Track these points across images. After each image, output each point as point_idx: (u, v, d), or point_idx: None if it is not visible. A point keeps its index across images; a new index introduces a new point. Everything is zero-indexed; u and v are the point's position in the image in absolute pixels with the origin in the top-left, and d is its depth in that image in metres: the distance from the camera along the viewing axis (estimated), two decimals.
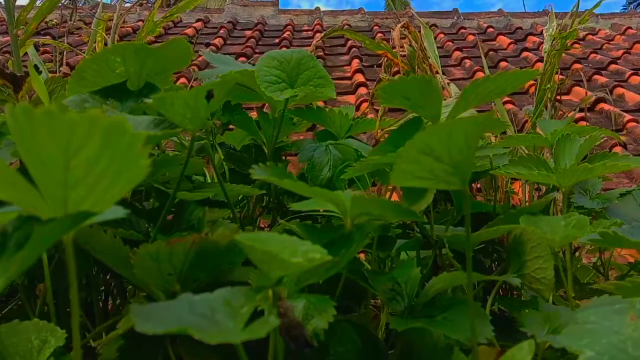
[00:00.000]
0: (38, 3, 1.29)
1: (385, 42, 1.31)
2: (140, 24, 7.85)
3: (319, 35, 5.60)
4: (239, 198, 1.05)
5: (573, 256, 1.09)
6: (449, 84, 1.58)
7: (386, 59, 1.33)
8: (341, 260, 0.48)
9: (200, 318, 0.35)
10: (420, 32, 1.46)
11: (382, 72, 1.46)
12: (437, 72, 1.53)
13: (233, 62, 0.86)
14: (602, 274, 0.91)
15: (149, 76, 0.79)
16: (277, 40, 6.77)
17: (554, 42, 1.25)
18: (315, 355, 0.52)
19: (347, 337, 0.52)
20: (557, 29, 1.38)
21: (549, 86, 1.22)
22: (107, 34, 1.56)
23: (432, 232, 0.65)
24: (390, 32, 6.13)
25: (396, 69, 1.56)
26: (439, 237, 0.64)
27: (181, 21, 8.10)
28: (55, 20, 1.83)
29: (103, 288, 0.77)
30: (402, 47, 1.31)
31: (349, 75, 5.18)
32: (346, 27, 7.23)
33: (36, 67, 0.96)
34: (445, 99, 1.12)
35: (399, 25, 1.26)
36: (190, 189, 0.77)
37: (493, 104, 1.38)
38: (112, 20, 1.61)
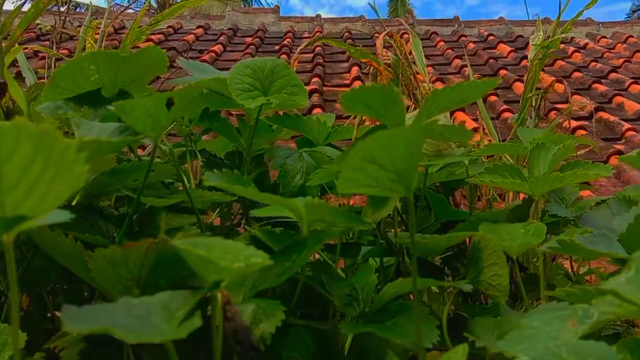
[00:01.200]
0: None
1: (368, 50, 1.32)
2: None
3: (392, 55, 5.64)
4: (222, 204, 1.06)
5: (552, 264, 1.09)
6: None
7: (371, 67, 1.34)
8: (292, 265, 0.49)
9: (136, 319, 0.36)
10: (407, 40, 1.48)
11: (369, 79, 1.47)
12: (423, 80, 1.54)
13: (209, 69, 0.87)
14: (572, 280, 0.92)
15: (123, 83, 0.80)
16: (276, 47, 6.81)
17: (538, 51, 1.26)
18: (268, 358, 0.52)
19: (301, 341, 0.53)
20: (542, 37, 1.39)
21: (530, 95, 1.23)
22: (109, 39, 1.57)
23: (395, 238, 0.66)
24: (390, 39, 6.08)
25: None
26: (401, 244, 0.64)
27: (181, 27, 8.14)
28: (48, 26, 1.85)
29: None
30: (386, 55, 1.32)
31: (347, 82, 5.20)
32: (346, 34, 7.26)
33: (19, 74, 0.98)
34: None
35: (383, 34, 1.27)
36: (164, 195, 0.78)
37: (478, 112, 1.39)
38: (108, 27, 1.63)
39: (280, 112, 0.97)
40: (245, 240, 0.67)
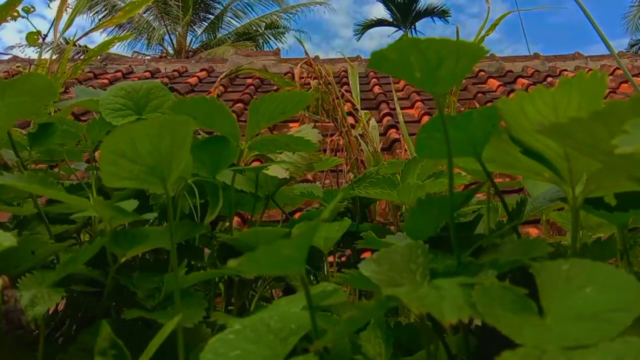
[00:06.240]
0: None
1: (290, 79, 1.39)
2: (147, 74, 8.21)
3: (315, 82, 5.80)
4: None
5: None
6: (370, 117, 1.66)
7: None
8: (78, 257, 0.54)
9: None
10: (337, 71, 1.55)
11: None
12: (355, 107, 1.61)
13: (97, 93, 0.94)
14: None
15: None
16: (275, 87, 6.98)
17: None
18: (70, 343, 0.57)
19: (103, 330, 0.57)
20: None
21: None
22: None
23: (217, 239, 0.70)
24: (384, 77, 6.20)
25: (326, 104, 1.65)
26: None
27: (186, 71, 8.42)
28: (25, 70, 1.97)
29: None
30: (308, 83, 1.39)
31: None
32: (342, 73, 7.43)
33: None
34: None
35: (300, 64, 1.35)
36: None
37: (400, 135, 1.44)
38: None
39: None
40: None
